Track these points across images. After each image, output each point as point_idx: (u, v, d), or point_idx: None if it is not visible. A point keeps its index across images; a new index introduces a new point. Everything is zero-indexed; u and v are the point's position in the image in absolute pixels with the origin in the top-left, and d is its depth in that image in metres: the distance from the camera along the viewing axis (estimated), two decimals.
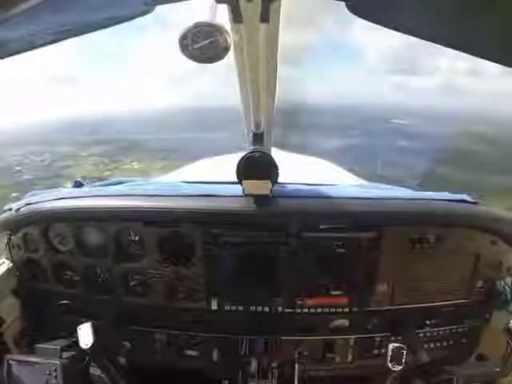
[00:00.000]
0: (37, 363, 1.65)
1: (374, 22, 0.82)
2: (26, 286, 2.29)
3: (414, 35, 0.82)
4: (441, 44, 0.80)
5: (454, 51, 0.76)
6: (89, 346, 1.65)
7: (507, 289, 2.11)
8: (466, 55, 0.77)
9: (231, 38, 0.85)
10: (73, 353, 1.72)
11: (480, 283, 2.17)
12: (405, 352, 1.85)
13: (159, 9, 0.97)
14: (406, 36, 0.82)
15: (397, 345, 1.86)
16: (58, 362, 1.64)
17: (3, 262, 2.25)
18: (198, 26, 0.80)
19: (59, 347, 1.73)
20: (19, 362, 1.69)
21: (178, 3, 0.95)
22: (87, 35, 1.00)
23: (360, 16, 0.82)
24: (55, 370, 1.63)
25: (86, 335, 1.68)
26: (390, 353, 1.86)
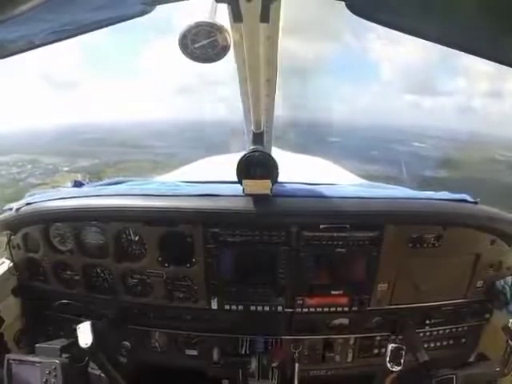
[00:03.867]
0: (37, 362, 1.65)
1: (374, 22, 0.82)
2: (26, 286, 2.30)
3: (414, 35, 0.82)
4: (444, 45, 0.80)
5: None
6: (88, 344, 1.65)
7: (507, 288, 2.11)
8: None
9: (231, 38, 0.85)
10: (73, 352, 1.71)
11: (480, 283, 2.17)
12: (404, 352, 1.85)
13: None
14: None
15: (396, 345, 1.87)
16: (57, 362, 1.64)
17: (3, 262, 2.25)
18: (197, 25, 0.80)
19: (59, 347, 1.73)
20: (19, 361, 1.69)
21: (178, 3, 0.95)
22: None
23: (359, 15, 0.82)
24: (55, 369, 1.62)
25: (85, 334, 1.67)
26: (388, 353, 1.87)
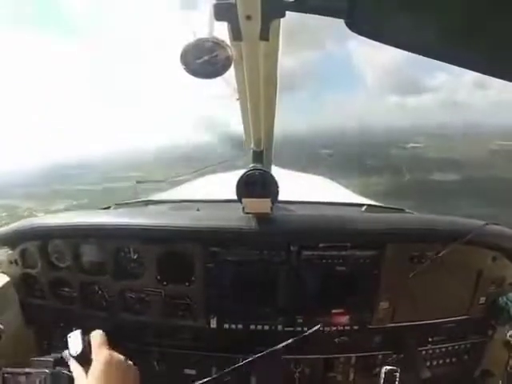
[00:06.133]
0: (29, 373, 1.66)
1: (375, 40, 0.82)
2: (22, 302, 2.27)
3: (417, 52, 0.82)
4: (450, 63, 0.80)
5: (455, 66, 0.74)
6: (78, 352, 1.62)
7: (510, 304, 2.09)
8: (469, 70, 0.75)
9: (232, 55, 0.87)
10: (66, 365, 1.70)
11: (482, 299, 2.14)
12: (398, 374, 1.82)
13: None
14: (403, 53, 0.81)
15: (390, 368, 1.83)
16: (47, 371, 1.65)
17: None
18: (199, 41, 0.83)
19: (52, 360, 1.72)
20: (14, 374, 1.68)
21: (179, 19, 0.98)
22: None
23: (360, 33, 0.82)
24: (45, 379, 1.64)
25: (75, 342, 1.66)
26: (382, 375, 1.83)
